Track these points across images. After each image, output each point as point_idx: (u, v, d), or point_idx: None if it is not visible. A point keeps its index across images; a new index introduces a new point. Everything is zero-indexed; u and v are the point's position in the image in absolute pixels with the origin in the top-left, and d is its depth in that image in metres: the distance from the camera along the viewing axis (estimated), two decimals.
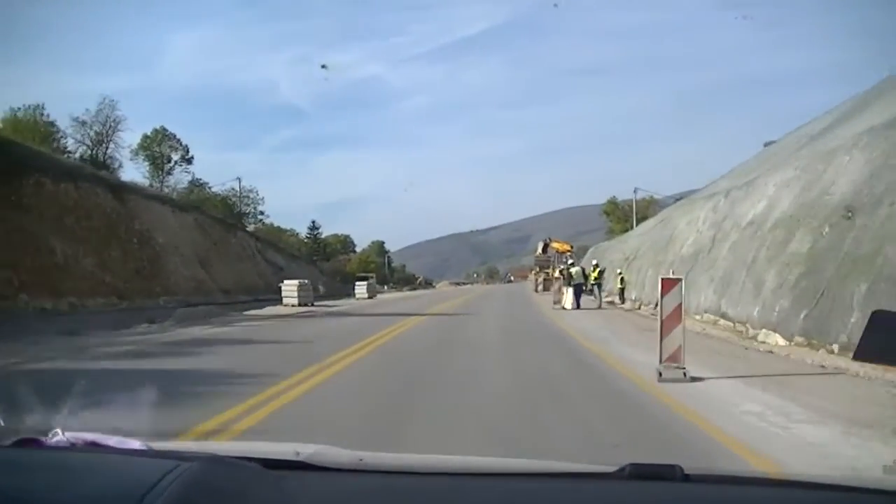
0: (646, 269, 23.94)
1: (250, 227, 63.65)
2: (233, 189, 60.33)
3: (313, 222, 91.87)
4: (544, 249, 47.16)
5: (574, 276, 22.79)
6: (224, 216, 52.70)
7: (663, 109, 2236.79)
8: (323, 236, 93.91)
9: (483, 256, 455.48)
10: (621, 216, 69.08)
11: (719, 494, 1.32)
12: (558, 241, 46.85)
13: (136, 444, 1.42)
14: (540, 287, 42.92)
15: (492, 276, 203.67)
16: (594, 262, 25.47)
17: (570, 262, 25.81)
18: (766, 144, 51.92)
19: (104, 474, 1.20)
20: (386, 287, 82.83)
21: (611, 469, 1.33)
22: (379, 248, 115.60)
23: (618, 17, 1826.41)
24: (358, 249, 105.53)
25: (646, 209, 61.43)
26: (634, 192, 57.54)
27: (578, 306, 22.01)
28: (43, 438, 1.34)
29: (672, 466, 1.28)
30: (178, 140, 57.21)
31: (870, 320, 1.77)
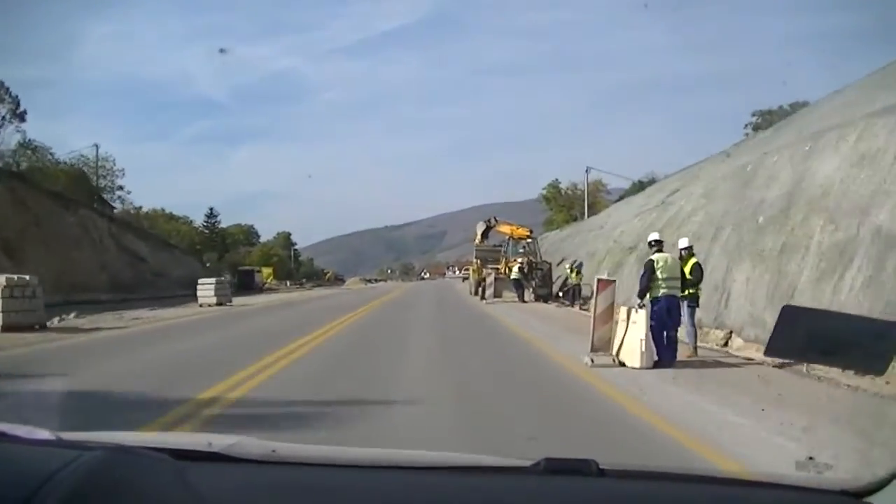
0: (723, 267, 13.31)
1: (118, 209, 50.61)
2: (83, 157, 46.67)
3: (211, 210, 78.93)
4: (485, 234, 33.32)
5: (662, 277, 9.47)
6: (64, 189, 39.59)
7: (581, 107, 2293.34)
8: (224, 226, 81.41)
9: (397, 252, 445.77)
10: (565, 203, 60.57)
11: (633, 489, 1.29)
12: (508, 224, 32.29)
13: (44, 434, 1.36)
14: (489, 290, 27.93)
15: (406, 272, 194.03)
16: (685, 243, 10.71)
17: (654, 237, 10.42)
18: (755, 114, 47.29)
19: (6, 464, 1.17)
20: (288, 283, 71.84)
21: (526, 463, 1.30)
22: (285, 239, 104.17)
23: (531, 16, 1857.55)
24: (264, 241, 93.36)
25: (594, 195, 53.49)
26: (587, 172, 48.62)
27: (672, 357, 9.26)
28: None
29: (587, 461, 1.26)
30: (7, 89, 43.20)
31: (780, 316, 1.65)
